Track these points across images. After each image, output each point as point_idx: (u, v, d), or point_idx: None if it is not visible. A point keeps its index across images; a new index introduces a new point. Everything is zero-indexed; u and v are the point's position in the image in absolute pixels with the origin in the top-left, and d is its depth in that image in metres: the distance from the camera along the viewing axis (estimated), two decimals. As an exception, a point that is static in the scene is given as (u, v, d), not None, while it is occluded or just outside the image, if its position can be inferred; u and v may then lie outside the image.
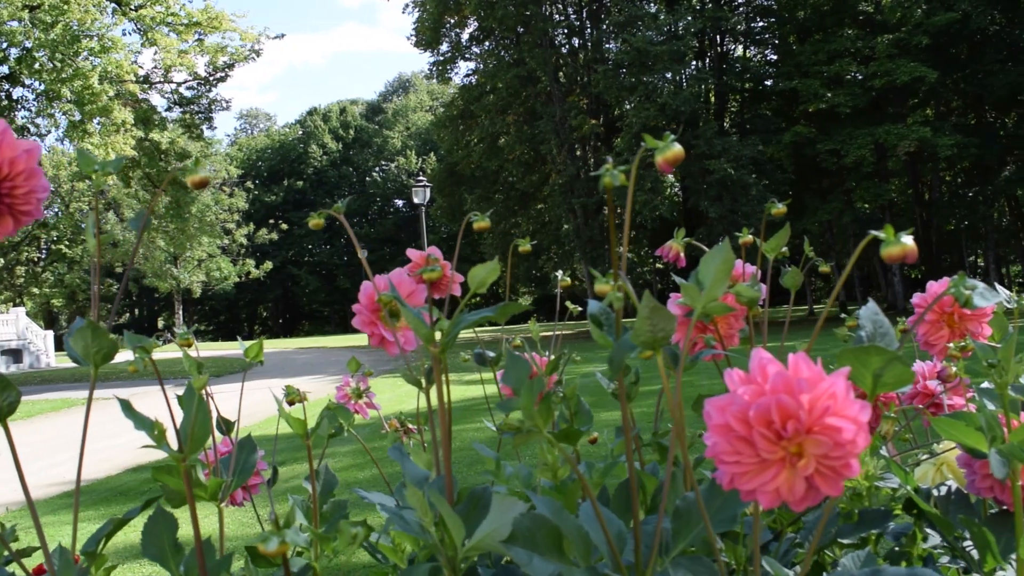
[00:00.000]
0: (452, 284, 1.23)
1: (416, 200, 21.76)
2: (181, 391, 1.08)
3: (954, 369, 1.23)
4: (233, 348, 36.91)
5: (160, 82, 26.89)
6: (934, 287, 1.37)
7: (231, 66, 27.05)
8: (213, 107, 28.28)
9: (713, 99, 33.72)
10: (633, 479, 0.82)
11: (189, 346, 1.42)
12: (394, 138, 66.11)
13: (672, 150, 0.75)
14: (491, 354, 1.29)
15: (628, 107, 31.33)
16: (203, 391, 1.20)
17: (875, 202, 30.22)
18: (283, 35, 29.31)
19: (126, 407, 0.99)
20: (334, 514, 1.31)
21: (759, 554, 0.72)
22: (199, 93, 27.87)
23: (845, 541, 1.15)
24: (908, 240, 0.68)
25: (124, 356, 0.99)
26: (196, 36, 26.07)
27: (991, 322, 1.41)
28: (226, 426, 1.57)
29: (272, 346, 41.40)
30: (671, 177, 34.49)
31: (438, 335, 0.96)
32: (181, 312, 55.31)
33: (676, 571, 0.76)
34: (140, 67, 25.34)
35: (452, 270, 1.19)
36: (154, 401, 1.79)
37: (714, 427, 0.59)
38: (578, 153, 33.10)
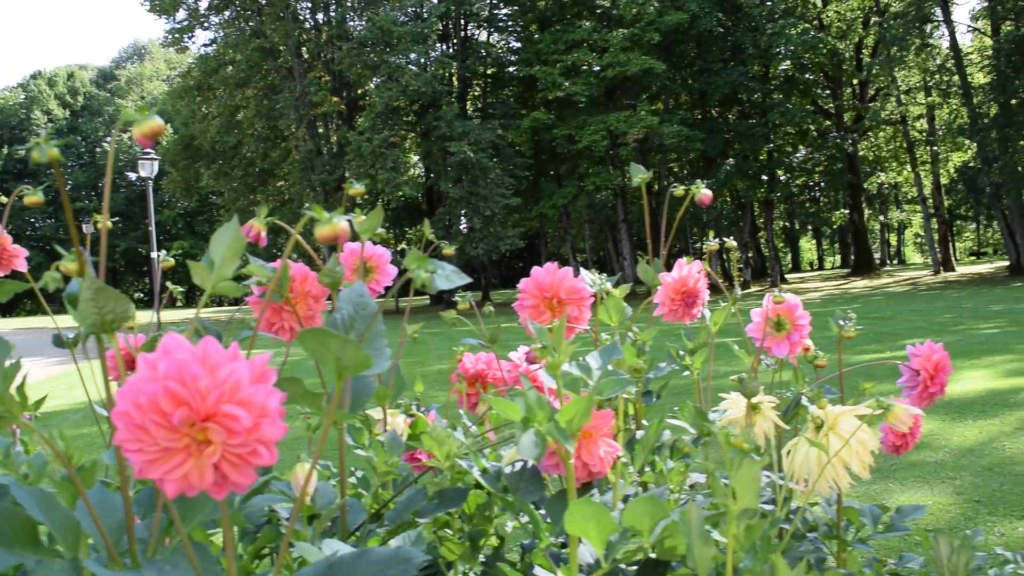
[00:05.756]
0: (16, 260, 1.16)
1: (143, 173, 20.74)
2: None
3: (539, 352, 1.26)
4: (-59, 328, 34.06)
5: None
6: (537, 272, 1.40)
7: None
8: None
9: (456, 82, 34.04)
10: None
11: None
12: (128, 107, 62.49)
13: (149, 123, 0.72)
14: (70, 335, 1.22)
15: (372, 86, 31.18)
16: None
17: (606, 187, 31.47)
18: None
19: None
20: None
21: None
22: None
23: (422, 520, 1.16)
24: (340, 222, 0.68)
25: None
26: None
27: (609, 303, 1.46)
28: None
29: (-12, 326, 38.56)
30: (415, 157, 34.69)
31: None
32: None
33: (149, 568, 0.73)
34: None
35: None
36: None
37: (114, 414, 0.56)
38: (320, 130, 32.62)
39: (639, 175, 1.44)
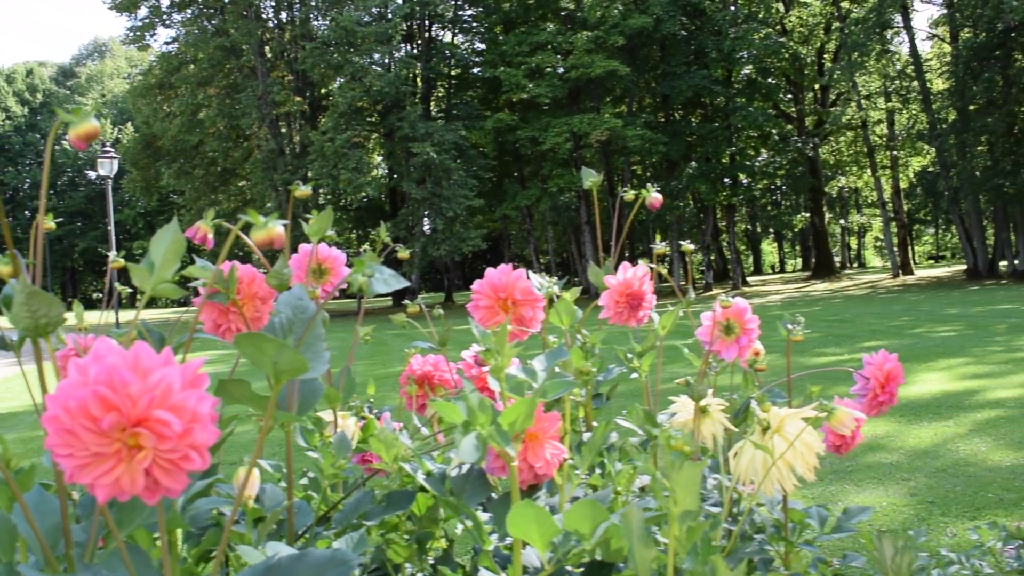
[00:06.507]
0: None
1: (102, 172, 20.55)
2: None
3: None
4: None
5: None
6: (491, 273, 1.40)
7: None
8: None
9: (420, 83, 34.00)
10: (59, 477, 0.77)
11: None
12: (88, 105, 61.99)
13: (84, 126, 0.71)
14: (13, 338, 1.21)
15: (335, 86, 31.09)
16: None
17: (569, 189, 31.53)
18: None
19: None
20: None
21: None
22: None
23: (370, 523, 1.16)
24: (276, 226, 0.68)
25: None
26: None
27: (560, 306, 1.47)
28: None
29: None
30: (378, 157, 34.59)
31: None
32: None
33: (85, 572, 0.73)
34: None
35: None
36: None
37: (45, 419, 0.55)
38: (282, 130, 32.44)
39: (589, 178, 1.45)
